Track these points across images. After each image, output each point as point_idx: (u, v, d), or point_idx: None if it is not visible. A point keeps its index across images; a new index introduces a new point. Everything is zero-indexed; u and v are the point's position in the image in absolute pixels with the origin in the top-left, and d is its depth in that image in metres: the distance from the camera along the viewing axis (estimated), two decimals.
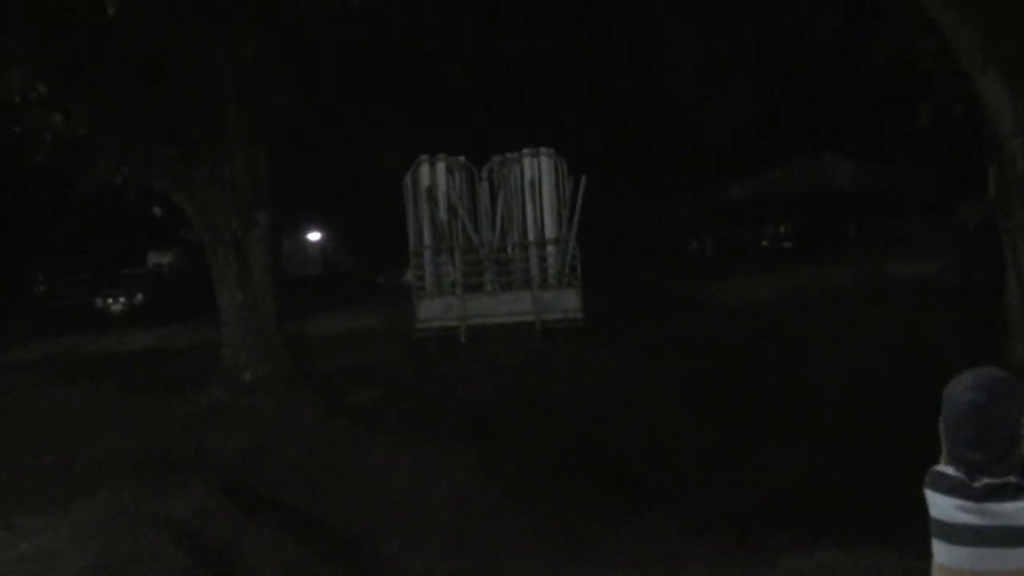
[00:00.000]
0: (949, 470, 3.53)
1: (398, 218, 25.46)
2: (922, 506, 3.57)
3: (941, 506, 3.50)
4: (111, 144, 19.05)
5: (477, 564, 9.72)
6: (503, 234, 24.75)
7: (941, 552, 3.51)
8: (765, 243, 47.99)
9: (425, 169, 24.78)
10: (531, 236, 24.46)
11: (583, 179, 24.29)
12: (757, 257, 43.20)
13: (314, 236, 66.21)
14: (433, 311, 24.15)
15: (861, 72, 22.24)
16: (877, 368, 16.70)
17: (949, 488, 3.48)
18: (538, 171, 24.55)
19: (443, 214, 24.62)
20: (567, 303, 23.77)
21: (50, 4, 17.29)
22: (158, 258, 47.60)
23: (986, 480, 3.42)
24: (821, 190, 43.90)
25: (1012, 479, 3.42)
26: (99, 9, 15.86)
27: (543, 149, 24.78)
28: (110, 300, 40.10)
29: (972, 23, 14.54)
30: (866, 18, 19.17)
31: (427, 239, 24.68)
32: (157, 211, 21.37)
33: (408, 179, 24.95)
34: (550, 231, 24.38)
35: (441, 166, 24.83)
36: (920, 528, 3.63)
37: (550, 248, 24.34)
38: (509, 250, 24.78)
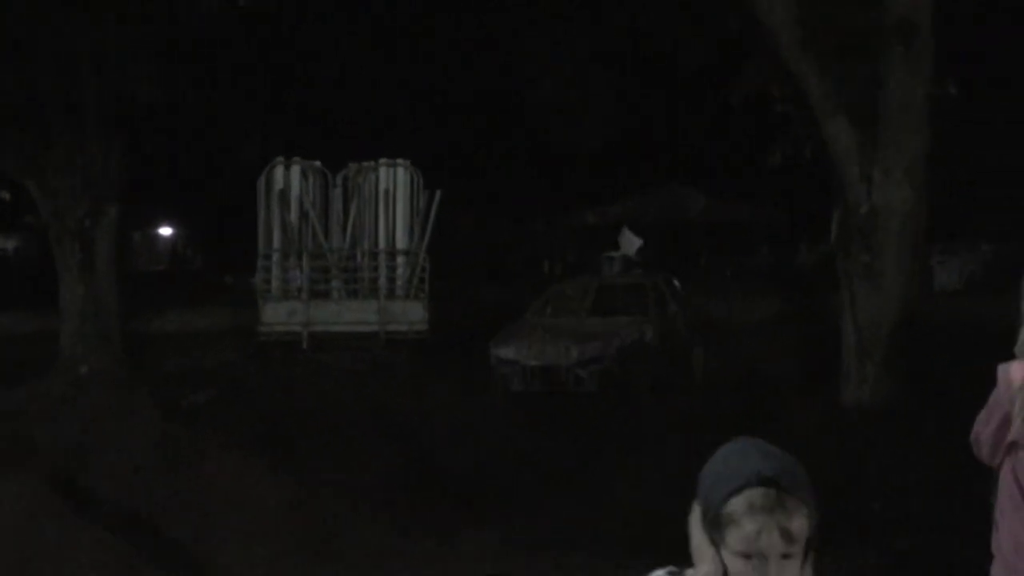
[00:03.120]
0: None
1: (250, 219, 25.29)
2: None
3: None
4: None
5: (308, 573, 9.72)
6: (353, 242, 24.74)
7: None
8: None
9: (279, 171, 24.66)
10: (381, 245, 24.48)
11: (438, 193, 24.42)
12: None
13: (166, 231, 65.34)
14: (277, 315, 24.01)
15: (720, 108, 22.74)
16: (717, 399, 17.02)
17: None
18: (393, 181, 24.62)
19: (294, 218, 24.51)
20: (413, 315, 23.84)
21: None
22: (2, 242, 46.65)
23: None
24: (674, 221, 44.59)
25: None
26: None
27: (399, 160, 24.86)
28: None
29: (828, 74, 15.07)
30: (728, 57, 19.63)
31: (276, 242, 24.54)
32: (5, 195, 21.02)
33: (262, 180, 24.79)
34: (401, 242, 24.43)
35: (296, 169, 24.74)
36: None
37: (400, 259, 24.39)
38: (358, 258, 24.78)
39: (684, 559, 2.69)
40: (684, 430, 14.25)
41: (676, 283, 22.12)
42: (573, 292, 22.26)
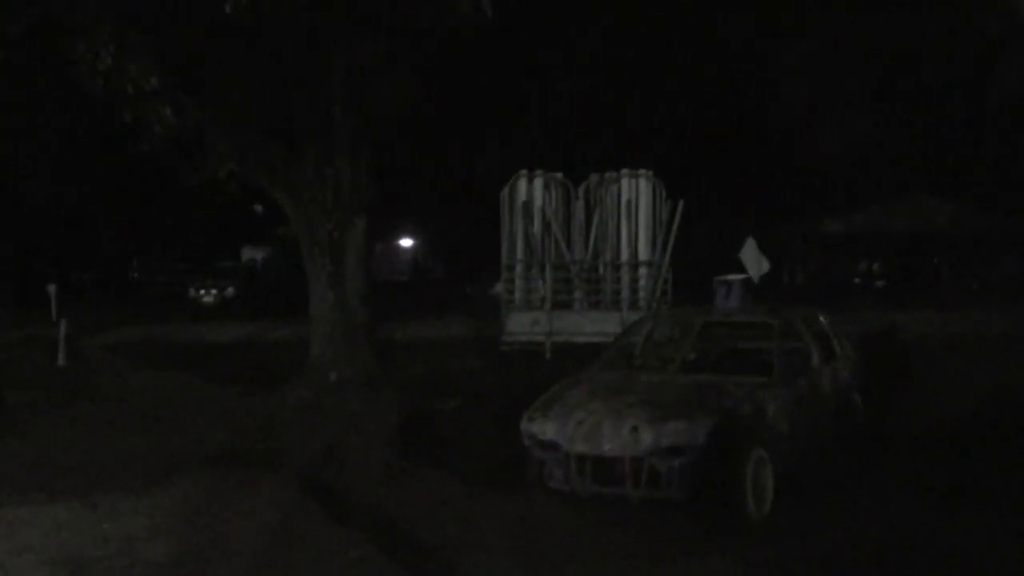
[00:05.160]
0: None
1: (492, 230, 25.62)
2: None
3: None
4: (220, 139, 19.30)
5: None
6: (595, 253, 24.84)
7: None
8: (857, 280, 47.54)
9: (522, 184, 25.00)
10: (624, 257, 24.53)
11: (680, 203, 24.29)
12: (849, 294, 42.61)
13: (406, 242, 66.61)
14: (520, 325, 24.32)
15: (973, 116, 22.01)
16: (966, 419, 16.38)
17: None
18: (635, 192, 24.67)
19: (537, 229, 24.73)
20: None
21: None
22: (252, 253, 48.06)
23: None
24: (917, 230, 43.44)
25: None
26: (217, 5, 16.11)
27: (642, 171, 24.86)
28: (202, 291, 40.65)
29: None
30: (983, 65, 19.01)
31: (519, 253, 24.87)
32: (259, 208, 21.63)
33: (505, 193, 25.15)
34: (643, 253, 24.44)
35: (538, 182, 25.05)
36: None
37: (642, 270, 24.38)
38: (600, 269, 24.85)
39: None
40: None
41: (824, 320, 14.88)
42: (662, 335, 15.04)
